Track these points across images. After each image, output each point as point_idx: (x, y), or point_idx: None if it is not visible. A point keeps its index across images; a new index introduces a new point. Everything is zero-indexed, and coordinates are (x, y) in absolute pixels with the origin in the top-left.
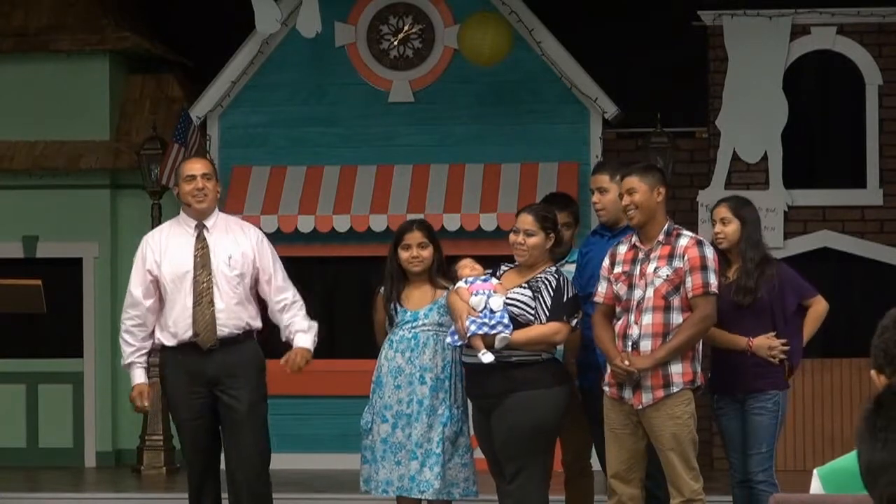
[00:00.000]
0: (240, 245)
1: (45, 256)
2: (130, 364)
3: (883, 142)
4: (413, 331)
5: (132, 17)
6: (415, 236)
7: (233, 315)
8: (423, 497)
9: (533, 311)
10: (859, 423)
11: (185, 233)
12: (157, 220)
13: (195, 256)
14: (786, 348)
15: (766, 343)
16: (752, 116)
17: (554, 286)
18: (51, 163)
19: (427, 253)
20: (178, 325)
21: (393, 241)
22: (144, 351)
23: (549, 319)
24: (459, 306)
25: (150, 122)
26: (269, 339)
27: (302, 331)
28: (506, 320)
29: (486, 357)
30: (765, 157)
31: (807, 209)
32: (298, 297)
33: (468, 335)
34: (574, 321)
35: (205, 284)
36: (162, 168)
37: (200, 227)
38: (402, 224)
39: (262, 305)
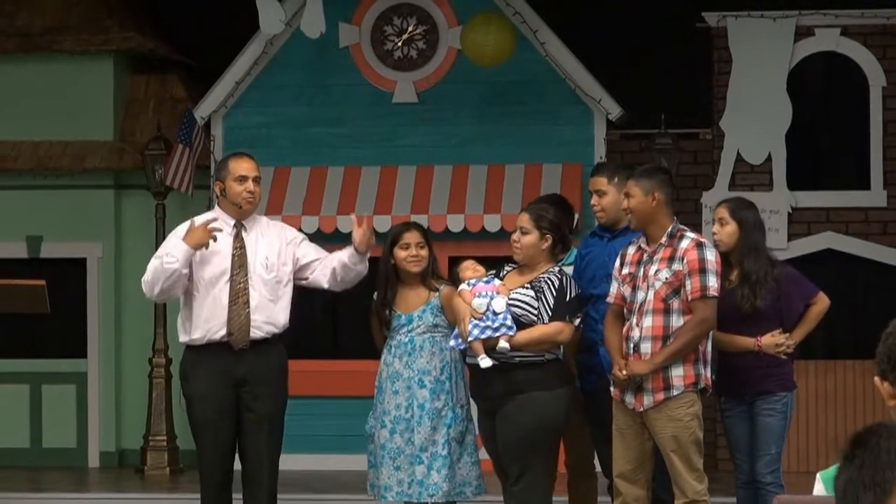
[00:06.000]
0: (274, 248)
1: (49, 256)
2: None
3: (887, 143)
4: (409, 334)
5: (136, 18)
6: (414, 235)
7: (267, 317)
8: (431, 500)
9: (536, 312)
10: (839, 472)
11: (224, 231)
12: (161, 221)
13: (233, 256)
14: (792, 342)
15: (774, 341)
16: (756, 118)
17: (557, 286)
18: (55, 163)
19: (425, 253)
20: (210, 324)
21: (388, 242)
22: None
23: (551, 319)
24: (462, 309)
25: (155, 122)
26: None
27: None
28: (509, 322)
29: (485, 362)
30: (769, 159)
31: (810, 210)
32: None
33: (469, 339)
34: (577, 320)
35: (241, 285)
36: (166, 168)
37: (239, 227)
38: (396, 226)
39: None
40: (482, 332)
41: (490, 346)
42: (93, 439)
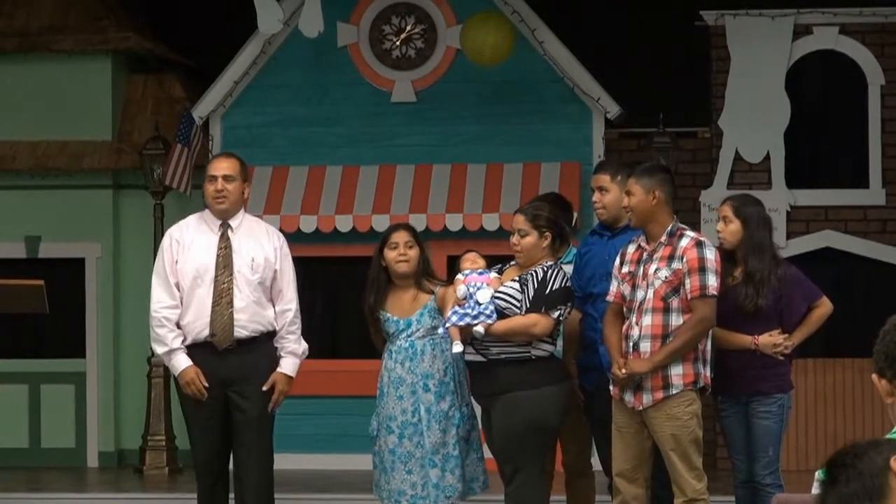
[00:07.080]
0: (263, 249)
1: (48, 257)
2: (174, 350)
3: (885, 142)
4: (409, 339)
5: (134, 17)
6: (401, 235)
7: (251, 317)
8: (448, 502)
9: (519, 305)
10: (827, 497)
11: (209, 231)
12: (159, 221)
13: (218, 256)
14: (790, 343)
15: (772, 341)
16: (754, 116)
17: (539, 278)
18: (53, 163)
19: (413, 253)
20: (194, 325)
21: (379, 243)
22: (183, 337)
23: (527, 311)
24: (450, 297)
25: (153, 122)
26: None
27: (292, 353)
28: (488, 311)
29: (456, 347)
30: (767, 157)
31: (809, 209)
32: (299, 314)
33: (447, 325)
34: (556, 314)
35: (225, 285)
36: (165, 168)
37: (225, 227)
38: (387, 228)
39: None
40: (460, 318)
41: (468, 336)
42: (91, 439)
